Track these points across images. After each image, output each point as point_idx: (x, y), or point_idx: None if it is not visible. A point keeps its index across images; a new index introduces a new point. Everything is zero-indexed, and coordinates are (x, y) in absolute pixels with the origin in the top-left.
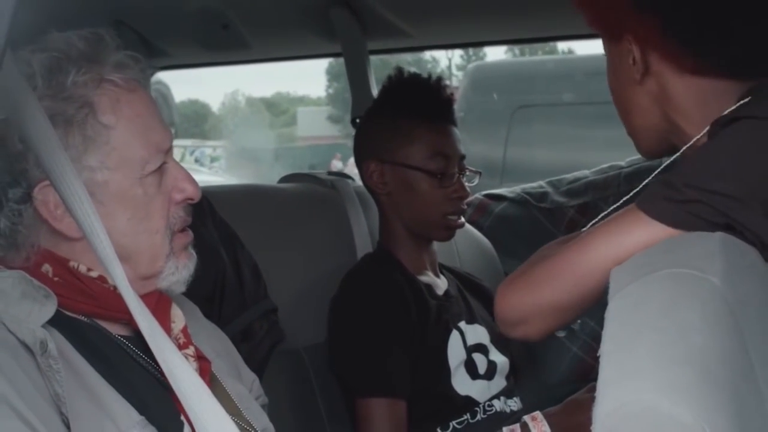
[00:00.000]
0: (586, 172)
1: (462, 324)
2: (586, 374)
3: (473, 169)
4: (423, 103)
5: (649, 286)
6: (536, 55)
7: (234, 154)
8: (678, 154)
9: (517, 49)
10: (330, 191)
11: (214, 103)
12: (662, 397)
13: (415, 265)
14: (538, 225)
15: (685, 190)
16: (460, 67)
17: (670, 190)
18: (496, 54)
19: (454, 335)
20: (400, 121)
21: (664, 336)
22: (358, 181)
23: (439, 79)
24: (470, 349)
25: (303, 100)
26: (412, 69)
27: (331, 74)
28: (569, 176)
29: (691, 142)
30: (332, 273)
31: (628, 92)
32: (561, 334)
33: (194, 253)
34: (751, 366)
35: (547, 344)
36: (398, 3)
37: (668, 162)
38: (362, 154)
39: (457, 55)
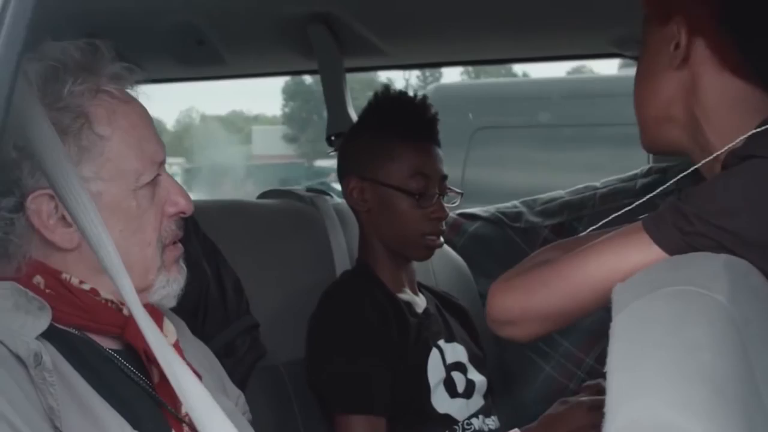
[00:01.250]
0: (561, 192)
1: (441, 342)
2: (560, 393)
3: (455, 189)
4: (406, 122)
5: (655, 303)
6: (492, 78)
7: (189, 171)
8: (678, 177)
9: (472, 71)
10: (309, 208)
11: (169, 120)
12: (675, 413)
13: (395, 283)
14: (512, 245)
15: (695, 222)
16: (416, 89)
17: (680, 218)
18: (451, 76)
19: (434, 353)
20: (383, 138)
21: (673, 353)
22: (337, 198)
23: (424, 98)
24: (449, 368)
25: (258, 119)
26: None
27: (288, 93)
28: (544, 196)
29: (703, 163)
30: (311, 289)
31: (658, 77)
32: None
33: (185, 267)
34: (756, 385)
35: (520, 364)
36: (376, 21)
37: (668, 185)
38: (344, 170)
39: (413, 76)
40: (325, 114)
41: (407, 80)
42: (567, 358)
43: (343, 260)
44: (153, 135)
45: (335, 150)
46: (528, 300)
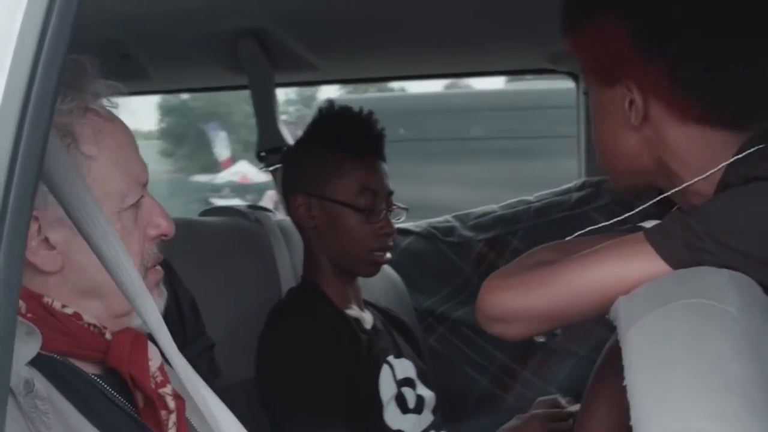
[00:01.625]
0: (494, 206)
1: (391, 358)
2: (497, 407)
3: (401, 205)
4: (353, 137)
5: (670, 316)
6: (367, 93)
7: None
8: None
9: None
10: (254, 225)
11: None
12: (710, 423)
13: (342, 299)
14: (446, 259)
15: (705, 239)
16: (292, 102)
17: (689, 234)
18: (328, 91)
19: (385, 369)
20: (329, 154)
21: (699, 365)
22: (278, 215)
23: (370, 113)
24: (400, 384)
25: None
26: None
27: (164, 109)
28: (476, 211)
29: (685, 184)
30: (260, 307)
31: (619, 135)
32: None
33: (165, 291)
34: None
35: (456, 378)
36: (307, 36)
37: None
38: (289, 187)
39: (292, 91)
40: (201, 129)
41: (287, 94)
42: (503, 371)
43: (288, 277)
44: (137, 155)
45: (266, 167)
46: (525, 299)
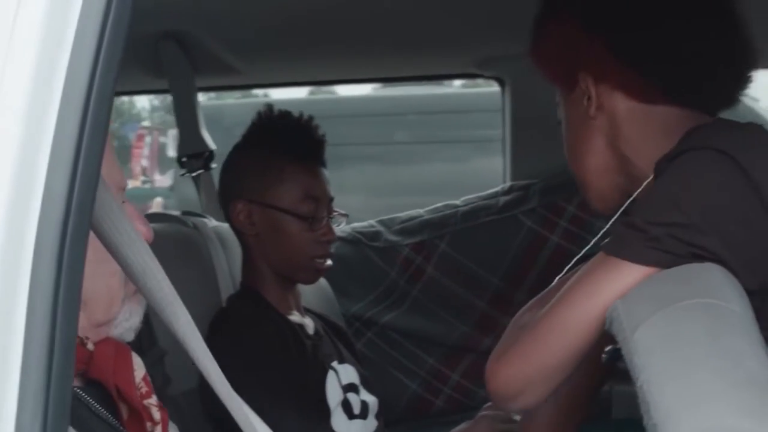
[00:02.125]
0: (420, 211)
1: (335, 364)
2: (427, 411)
3: (341, 211)
4: (295, 143)
5: (679, 316)
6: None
7: None
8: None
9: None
10: (192, 231)
11: None
12: (741, 419)
13: (283, 305)
14: (371, 264)
15: (650, 228)
16: (156, 108)
17: (637, 231)
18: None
19: (331, 375)
20: (271, 160)
21: (719, 363)
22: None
23: (310, 118)
24: (345, 389)
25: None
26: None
27: None
28: (402, 215)
29: (642, 187)
30: (200, 316)
31: (581, 136)
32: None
33: (144, 299)
34: None
35: (386, 383)
36: (230, 40)
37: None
38: (229, 193)
39: (155, 98)
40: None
41: (151, 100)
42: (433, 375)
43: (226, 284)
44: (116, 160)
45: (188, 172)
46: (528, 365)
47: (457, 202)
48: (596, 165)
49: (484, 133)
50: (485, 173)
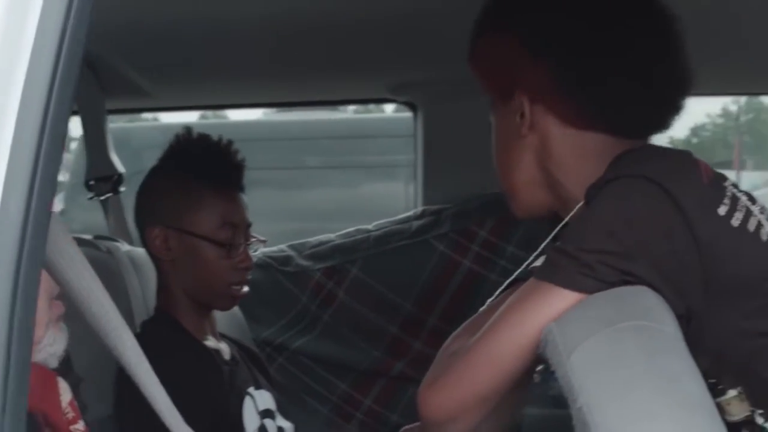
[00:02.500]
0: (330, 235)
1: (251, 390)
2: None
3: (259, 237)
4: (213, 168)
5: (615, 338)
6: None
7: None
8: (558, 227)
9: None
10: (106, 256)
11: None
12: None
13: (199, 331)
14: (282, 289)
15: (581, 255)
16: None
17: (568, 257)
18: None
19: (248, 401)
20: (189, 186)
21: (659, 382)
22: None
23: (230, 142)
24: (261, 415)
25: None
26: None
27: None
28: (312, 240)
29: (573, 212)
30: None
31: (512, 147)
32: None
33: (65, 327)
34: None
35: (297, 409)
36: (140, 62)
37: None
38: (145, 218)
39: None
40: None
41: None
42: (345, 400)
43: (140, 309)
44: None
45: (97, 196)
46: (460, 392)
47: (369, 226)
48: (524, 179)
49: (378, 159)
50: (379, 198)
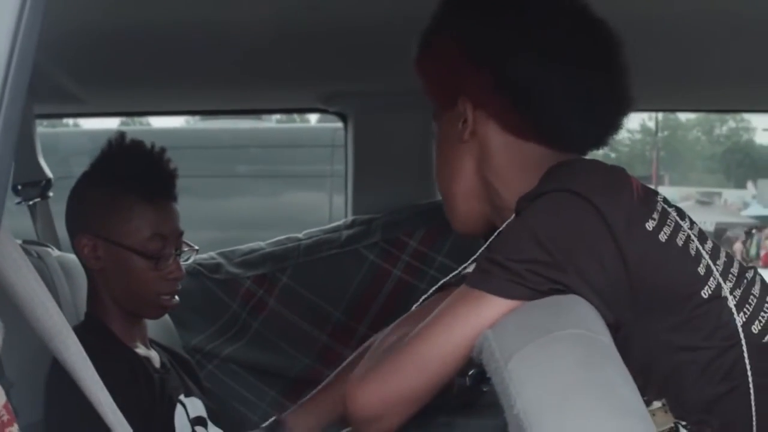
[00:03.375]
0: (260, 243)
1: (182, 397)
2: None
3: (192, 245)
4: (145, 180)
5: (552, 347)
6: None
7: None
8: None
9: None
10: (37, 261)
11: None
12: None
13: (129, 338)
14: (212, 296)
15: (511, 265)
16: None
17: (497, 266)
18: None
19: (179, 409)
20: (118, 196)
21: (596, 392)
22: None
23: (162, 150)
24: (193, 422)
25: None
26: None
27: None
28: (242, 248)
29: (506, 224)
30: (45, 347)
31: (453, 155)
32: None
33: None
34: None
35: (227, 416)
36: (69, 67)
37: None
38: (75, 226)
39: None
40: None
41: None
42: (274, 407)
43: (71, 315)
44: None
45: (24, 201)
46: (387, 392)
47: (300, 235)
48: (463, 189)
49: (301, 169)
50: (302, 208)
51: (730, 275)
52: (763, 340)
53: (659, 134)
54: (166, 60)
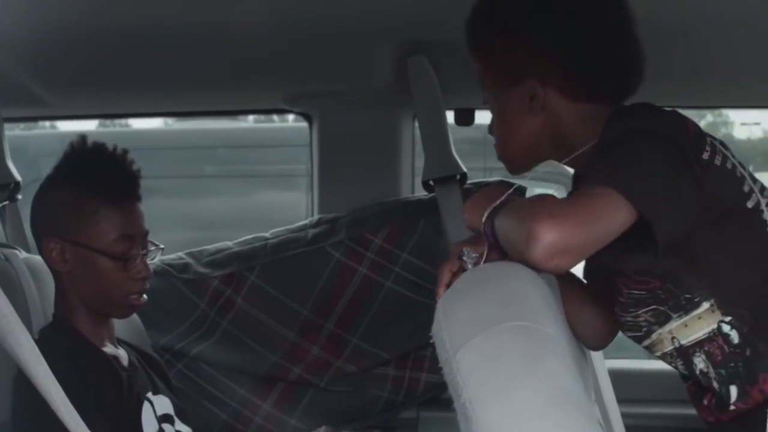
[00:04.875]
0: (228, 243)
1: (150, 395)
2: None
3: (157, 244)
4: (109, 182)
5: (498, 338)
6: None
7: None
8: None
9: None
10: (4, 263)
11: None
12: None
13: (97, 337)
14: (181, 296)
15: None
16: None
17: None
18: None
19: (146, 406)
20: (85, 200)
21: (538, 381)
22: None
23: (125, 152)
24: (160, 420)
25: None
26: None
27: None
28: (210, 248)
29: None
30: None
31: (521, 123)
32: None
33: None
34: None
35: (197, 414)
36: (36, 71)
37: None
38: (41, 229)
39: None
40: None
41: None
42: (243, 404)
43: (38, 316)
44: None
45: None
46: (580, 233)
47: (266, 234)
48: (530, 144)
49: (276, 168)
50: (278, 207)
51: (766, 192)
52: None
53: None
54: (132, 62)
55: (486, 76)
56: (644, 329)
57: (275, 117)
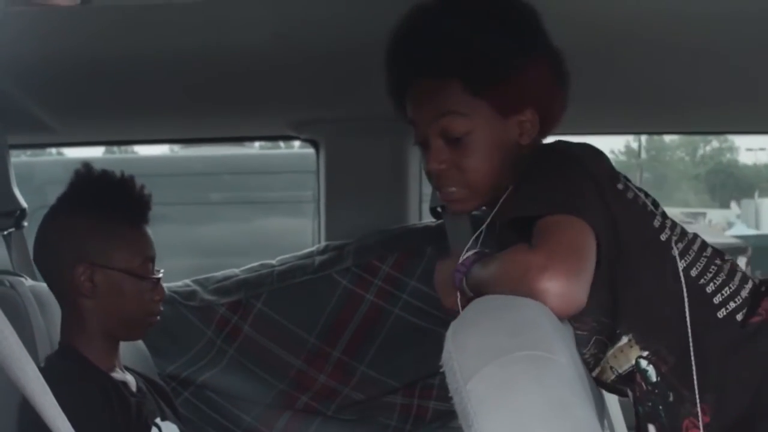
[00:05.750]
0: (235, 270)
1: (158, 421)
2: None
3: (158, 269)
4: (129, 205)
5: (510, 367)
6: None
7: None
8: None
9: None
10: (9, 291)
11: None
12: None
13: (105, 363)
14: (187, 323)
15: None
16: None
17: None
18: None
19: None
20: (110, 223)
21: (549, 412)
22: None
23: (132, 177)
24: None
25: None
26: None
27: None
28: (217, 275)
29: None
30: None
31: (503, 154)
32: None
33: None
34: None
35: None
36: (43, 98)
37: None
38: (67, 256)
39: None
40: None
41: None
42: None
43: (44, 344)
44: None
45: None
46: (587, 274)
47: (273, 261)
48: (499, 180)
49: (282, 195)
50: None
51: (675, 230)
52: (699, 282)
53: (643, 155)
54: (138, 89)
55: (488, 103)
56: (591, 363)
57: (281, 143)
